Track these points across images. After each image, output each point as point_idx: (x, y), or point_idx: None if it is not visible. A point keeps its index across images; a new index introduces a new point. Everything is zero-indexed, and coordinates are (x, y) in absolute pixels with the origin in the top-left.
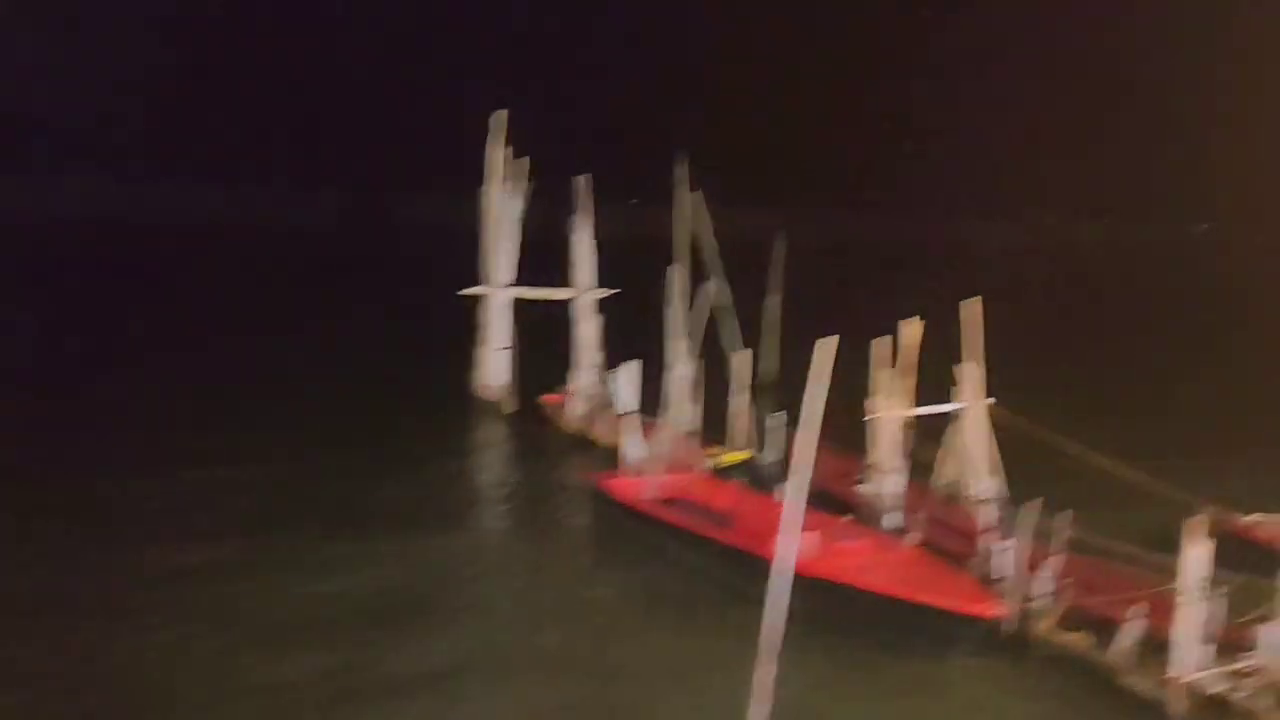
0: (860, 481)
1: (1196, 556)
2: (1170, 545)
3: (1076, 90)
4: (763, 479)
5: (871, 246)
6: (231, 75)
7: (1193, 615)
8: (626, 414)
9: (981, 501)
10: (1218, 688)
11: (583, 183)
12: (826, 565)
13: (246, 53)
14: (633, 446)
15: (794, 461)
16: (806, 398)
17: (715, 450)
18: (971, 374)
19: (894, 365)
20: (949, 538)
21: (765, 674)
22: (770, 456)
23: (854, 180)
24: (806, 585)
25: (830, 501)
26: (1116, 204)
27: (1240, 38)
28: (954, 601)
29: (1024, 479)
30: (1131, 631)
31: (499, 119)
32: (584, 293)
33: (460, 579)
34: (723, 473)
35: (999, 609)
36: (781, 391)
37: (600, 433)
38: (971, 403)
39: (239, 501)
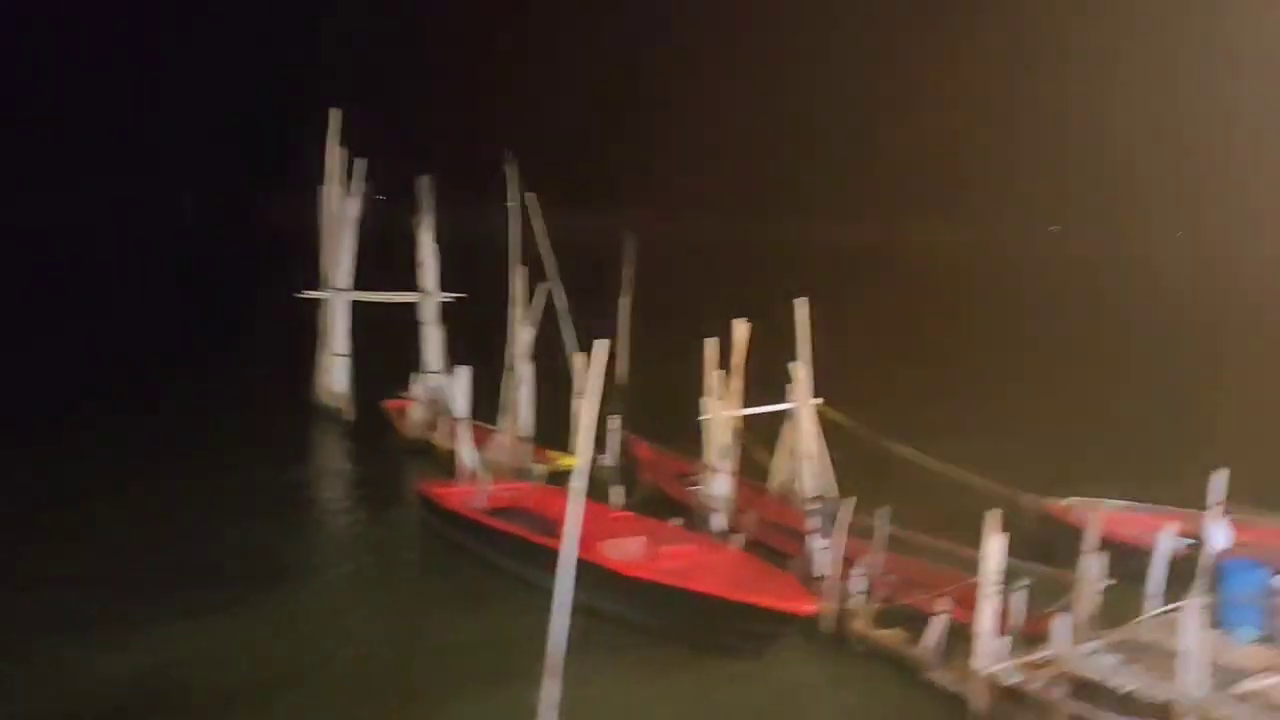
0: (694, 483)
1: (994, 549)
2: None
3: (934, 99)
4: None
5: (729, 247)
6: (75, 70)
7: (991, 608)
8: (460, 420)
9: (808, 500)
10: (1014, 680)
11: (425, 184)
12: (649, 568)
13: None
14: (466, 453)
15: (578, 461)
16: (586, 397)
17: (553, 455)
18: (800, 374)
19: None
20: (779, 537)
21: (551, 687)
22: (609, 460)
23: (713, 183)
24: (630, 589)
25: (666, 503)
26: (976, 207)
27: (1092, 51)
28: (771, 600)
29: (854, 478)
30: (937, 626)
31: (335, 118)
32: (428, 296)
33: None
34: (560, 478)
35: (814, 607)
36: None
37: (441, 439)
38: (800, 403)
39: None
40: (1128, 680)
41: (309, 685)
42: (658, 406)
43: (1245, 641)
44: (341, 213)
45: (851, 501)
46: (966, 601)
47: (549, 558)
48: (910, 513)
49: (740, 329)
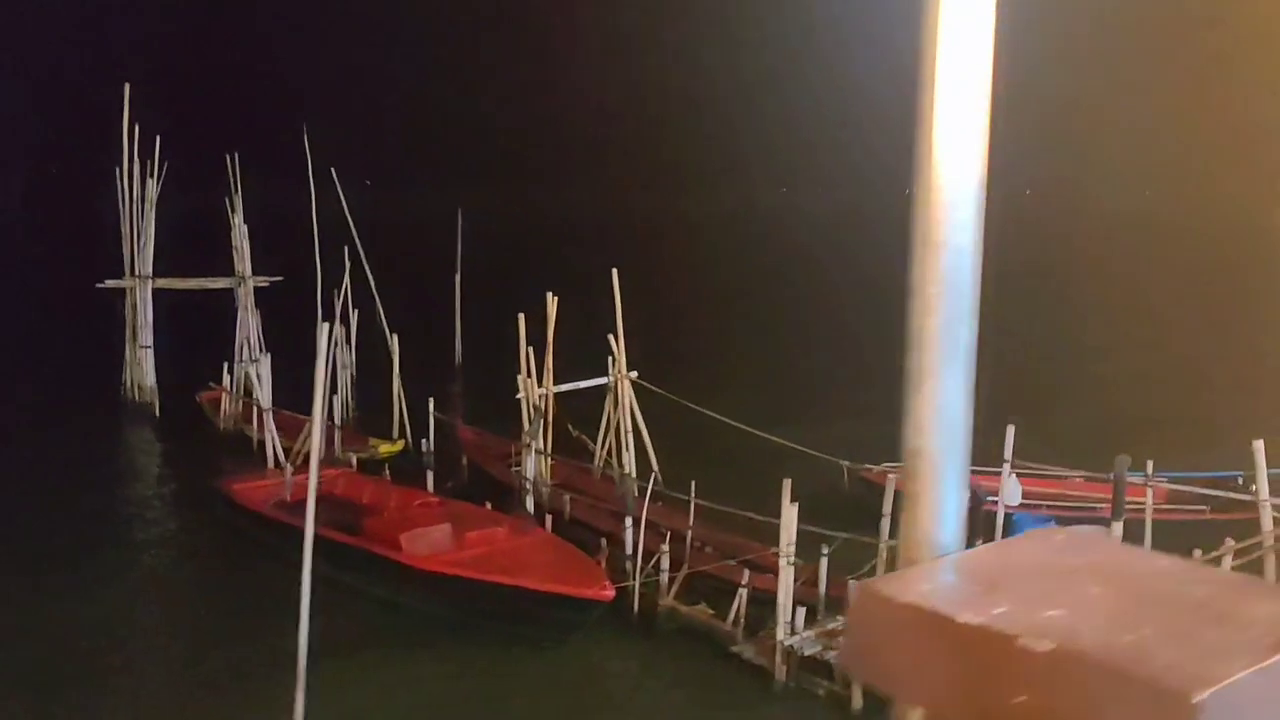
0: (517, 464)
1: (789, 519)
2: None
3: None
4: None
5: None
6: None
7: (787, 578)
8: (264, 410)
9: (623, 476)
10: (812, 649)
11: (232, 162)
12: (444, 559)
13: None
14: (271, 444)
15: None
16: (315, 379)
17: (373, 441)
18: (616, 347)
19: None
20: (601, 517)
21: (299, 699)
22: (429, 444)
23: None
24: (426, 582)
25: (490, 485)
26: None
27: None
28: (567, 586)
29: (674, 451)
30: (740, 598)
31: (125, 93)
32: (242, 281)
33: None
34: (377, 465)
35: (610, 592)
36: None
37: (256, 431)
38: (616, 376)
39: None
40: None
41: (79, 684)
42: (490, 387)
43: None
44: (141, 195)
45: (652, 477)
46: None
47: (341, 553)
48: (730, 483)
49: (551, 304)
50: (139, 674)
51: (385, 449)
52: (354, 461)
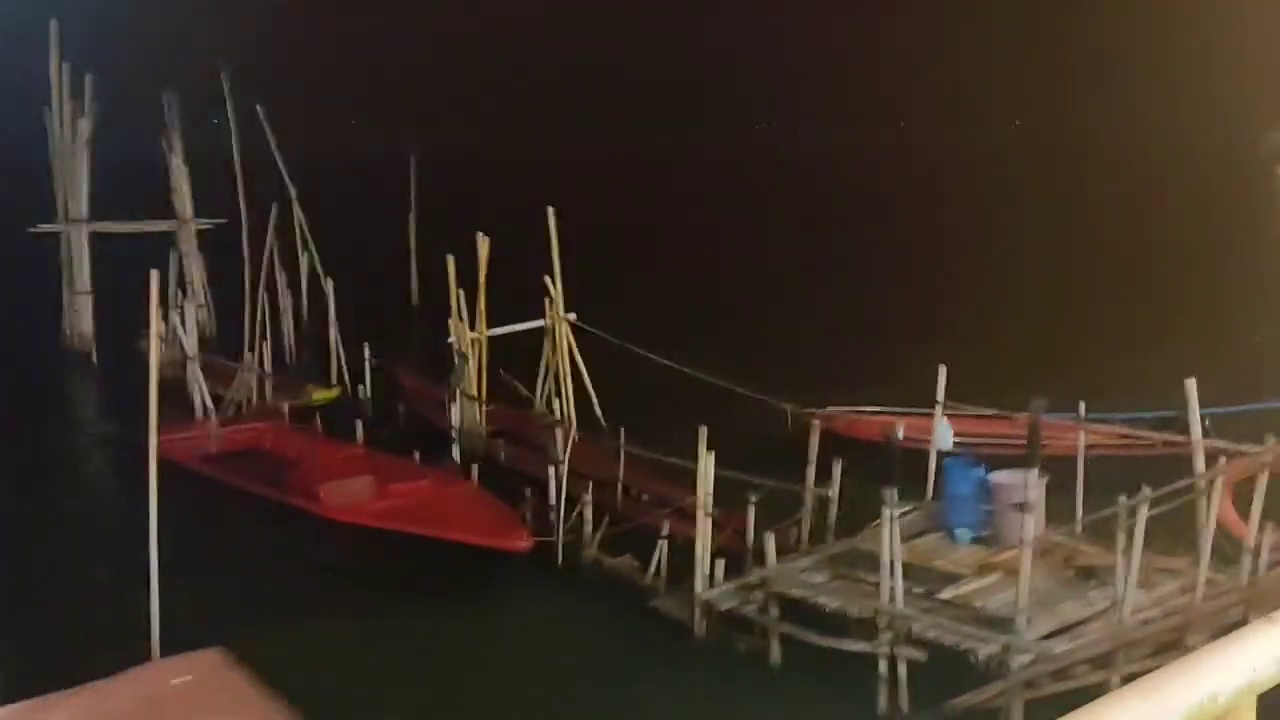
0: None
1: (706, 467)
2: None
3: None
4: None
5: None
6: None
7: (705, 529)
8: (190, 358)
9: (554, 423)
10: (729, 603)
11: (171, 103)
12: (360, 510)
13: None
14: (198, 394)
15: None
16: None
17: (309, 389)
18: (550, 288)
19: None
20: (537, 464)
21: None
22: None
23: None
24: (340, 534)
25: (430, 434)
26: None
27: None
28: (479, 537)
29: (615, 395)
30: (660, 550)
31: (53, 28)
32: (183, 224)
33: None
34: (310, 413)
35: (526, 543)
36: (419, 319)
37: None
38: (553, 319)
39: None
40: (829, 597)
41: None
42: (445, 332)
43: (964, 542)
44: (73, 135)
45: (572, 424)
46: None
47: (261, 506)
48: (673, 429)
49: (482, 245)
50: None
51: (319, 396)
52: (285, 410)
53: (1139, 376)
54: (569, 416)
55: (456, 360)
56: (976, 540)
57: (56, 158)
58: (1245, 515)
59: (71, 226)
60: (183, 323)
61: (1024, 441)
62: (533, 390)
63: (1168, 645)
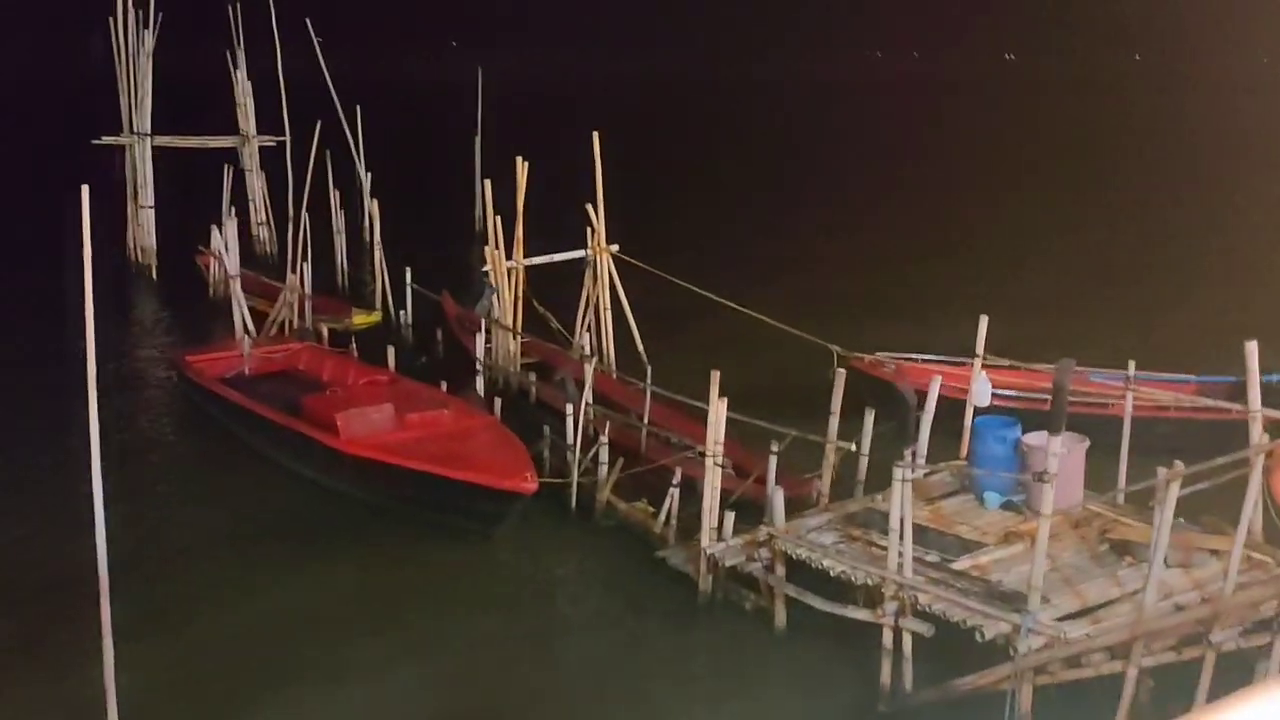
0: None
1: (718, 414)
2: (791, 394)
3: None
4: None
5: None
6: None
7: (715, 478)
8: (232, 277)
9: (582, 358)
10: (734, 560)
11: (235, 14)
12: (372, 442)
13: None
14: (238, 313)
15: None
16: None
17: (355, 311)
18: (593, 218)
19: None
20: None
21: (104, 609)
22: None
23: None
24: (352, 465)
25: (465, 361)
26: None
27: None
28: (488, 477)
29: (658, 331)
30: (672, 498)
31: None
32: (246, 140)
33: None
34: (349, 337)
35: (533, 485)
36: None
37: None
38: (595, 249)
39: None
40: (835, 560)
41: None
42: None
43: (992, 507)
44: (137, 48)
45: (593, 361)
46: (736, 464)
47: (280, 434)
48: (715, 368)
49: (521, 170)
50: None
51: (360, 320)
52: (324, 333)
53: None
54: (607, 353)
55: (486, 289)
56: (1007, 505)
57: (120, 69)
58: None
59: (135, 139)
60: (219, 241)
61: (1074, 399)
62: (569, 324)
63: (1193, 638)
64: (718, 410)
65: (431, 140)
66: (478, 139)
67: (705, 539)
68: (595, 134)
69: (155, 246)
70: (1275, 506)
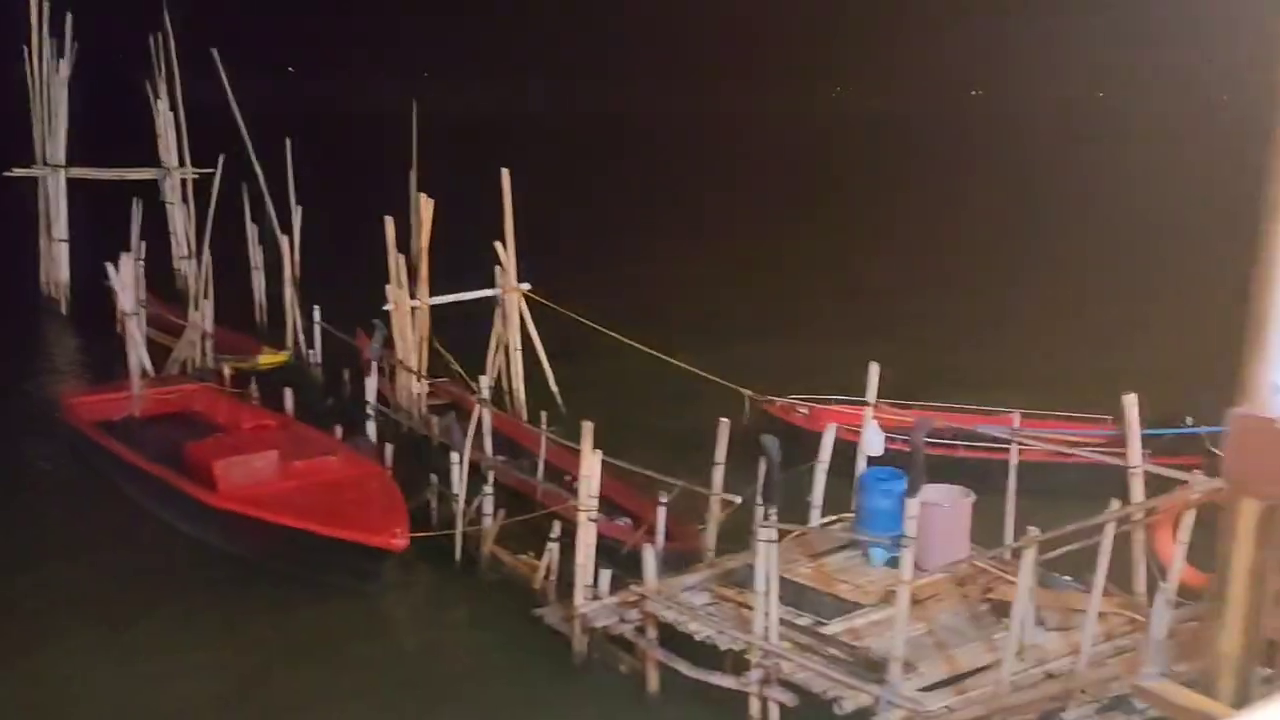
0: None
1: (591, 466)
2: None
3: None
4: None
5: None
6: None
7: (589, 534)
8: (128, 315)
9: (480, 401)
10: (607, 620)
11: (158, 43)
12: (249, 494)
13: None
14: (133, 353)
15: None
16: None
17: (265, 350)
18: (503, 256)
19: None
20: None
21: None
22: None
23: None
24: (221, 519)
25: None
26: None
27: None
28: (354, 531)
29: (570, 375)
30: (551, 552)
31: None
32: (169, 172)
33: None
34: (257, 377)
35: (402, 541)
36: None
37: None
38: (505, 289)
39: None
40: (702, 624)
41: None
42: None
43: (877, 564)
44: (51, 77)
45: (488, 404)
46: (643, 515)
47: (152, 484)
48: (628, 413)
49: (425, 205)
50: None
51: (266, 360)
52: (225, 373)
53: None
54: (516, 395)
55: (377, 331)
56: (893, 562)
57: (34, 98)
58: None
59: (49, 171)
60: (113, 276)
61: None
62: (470, 364)
63: (1052, 713)
64: (591, 463)
65: (368, 173)
66: (412, 173)
67: (579, 597)
68: (505, 171)
69: (68, 281)
70: (1159, 563)
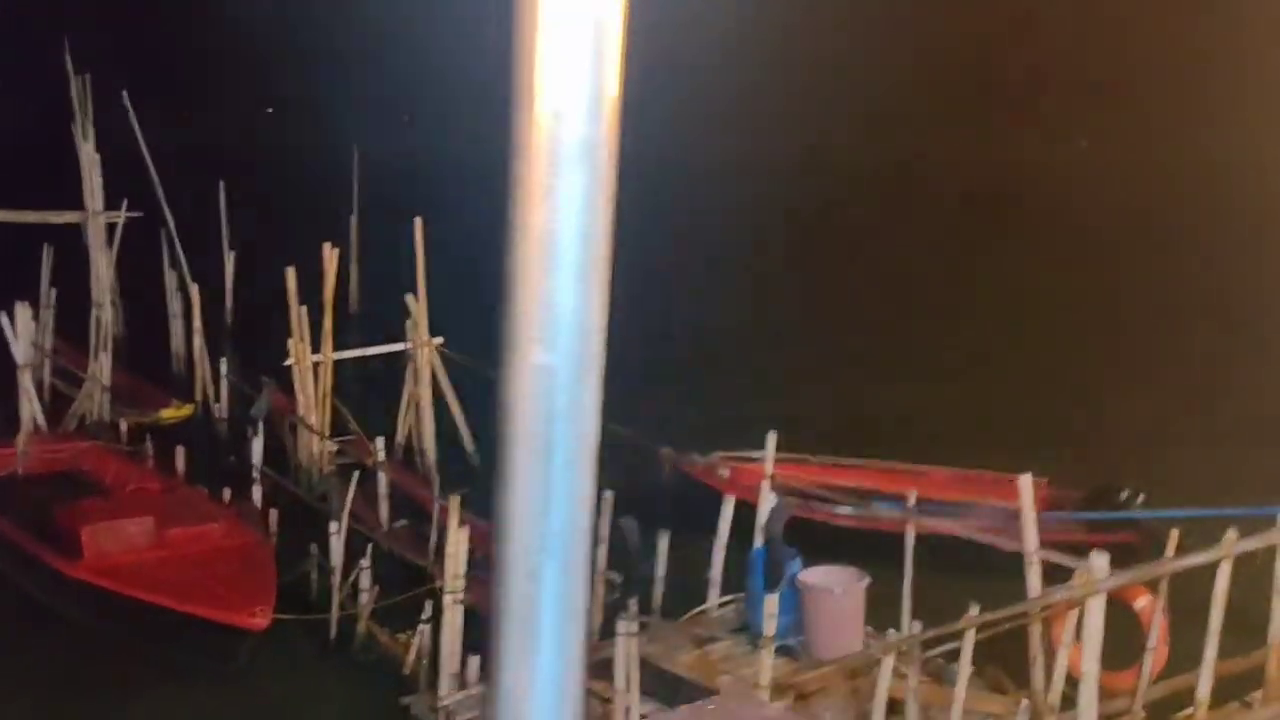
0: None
1: (454, 545)
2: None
3: None
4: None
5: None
6: None
7: (456, 618)
8: (18, 367)
9: (378, 464)
10: (469, 714)
11: (81, 84)
12: (110, 564)
13: None
14: (25, 407)
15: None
16: None
17: (172, 404)
18: (414, 308)
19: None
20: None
21: None
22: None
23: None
24: (80, 591)
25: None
26: None
27: None
28: (212, 609)
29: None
30: (422, 635)
31: None
32: (92, 216)
33: None
34: (154, 434)
35: (262, 621)
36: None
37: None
38: (416, 343)
39: None
40: None
41: None
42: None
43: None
44: None
45: (353, 475)
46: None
47: (8, 550)
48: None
49: (329, 256)
50: None
51: (168, 414)
52: (122, 428)
53: None
54: (425, 454)
55: (263, 388)
56: (784, 649)
57: None
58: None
59: None
60: (5, 327)
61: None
62: (368, 423)
63: None
64: (455, 539)
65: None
66: (353, 218)
67: (444, 687)
68: (417, 220)
69: None
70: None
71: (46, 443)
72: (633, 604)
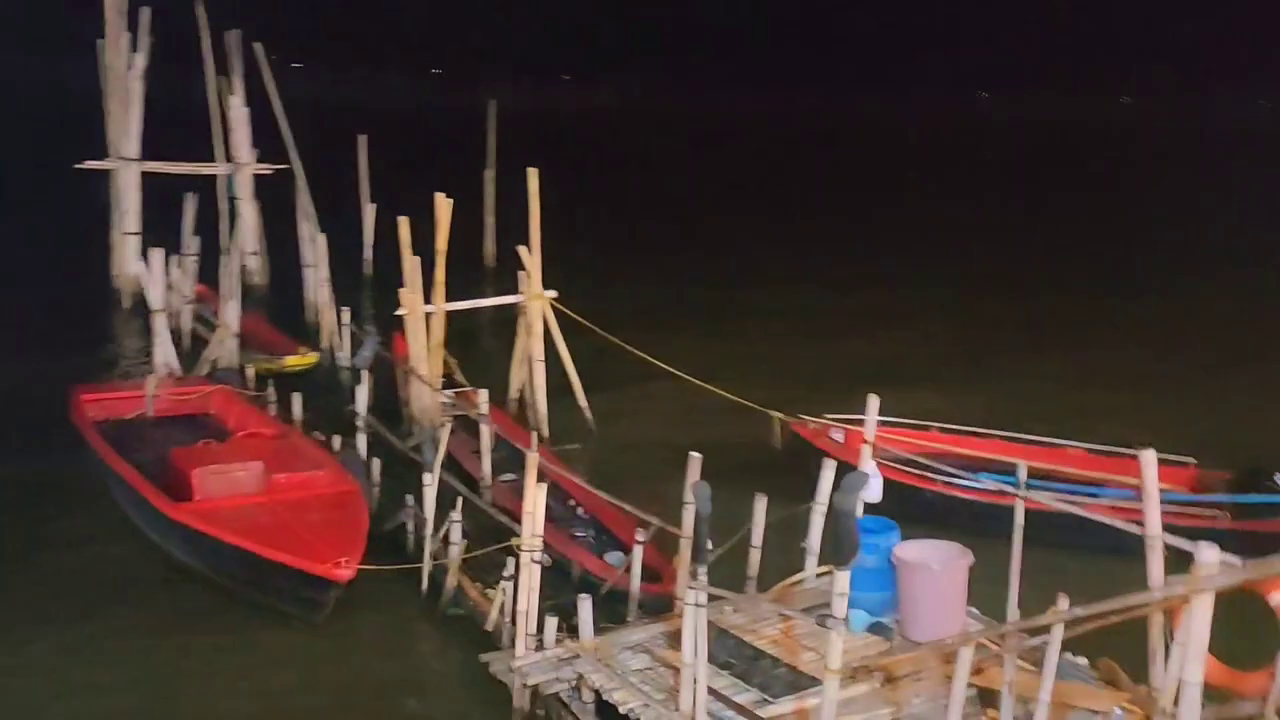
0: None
1: (536, 504)
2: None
3: None
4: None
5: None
6: None
7: (532, 578)
8: (154, 312)
9: (479, 417)
10: (542, 676)
11: (234, 40)
12: (213, 507)
13: None
14: (159, 349)
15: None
16: None
17: (300, 351)
18: (528, 260)
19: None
20: (477, 461)
21: None
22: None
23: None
24: (184, 534)
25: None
26: None
27: None
28: (298, 558)
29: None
30: (504, 593)
31: None
32: (240, 167)
33: None
34: (278, 380)
35: (348, 572)
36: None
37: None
38: (529, 296)
39: None
40: (628, 691)
41: None
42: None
43: (857, 629)
44: (126, 69)
45: (446, 427)
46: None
47: (125, 488)
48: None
49: (442, 206)
50: None
51: (292, 362)
52: (246, 373)
53: None
54: (537, 410)
55: (367, 339)
56: (876, 628)
57: (108, 92)
58: None
59: (121, 164)
60: (143, 273)
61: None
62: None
63: None
64: (534, 497)
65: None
66: (488, 173)
67: (519, 648)
68: (532, 170)
69: (136, 275)
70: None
71: (176, 386)
72: (701, 573)
